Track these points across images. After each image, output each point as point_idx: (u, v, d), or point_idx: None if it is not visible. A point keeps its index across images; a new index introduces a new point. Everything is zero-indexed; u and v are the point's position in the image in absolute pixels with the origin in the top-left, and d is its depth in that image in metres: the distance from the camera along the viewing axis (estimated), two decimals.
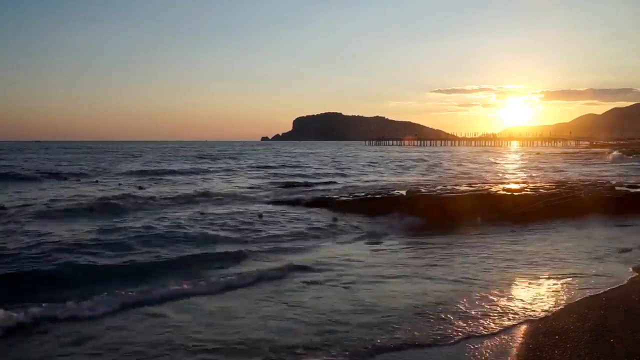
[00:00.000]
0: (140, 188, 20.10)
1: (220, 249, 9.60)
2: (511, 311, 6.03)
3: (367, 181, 24.45)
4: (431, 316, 5.91)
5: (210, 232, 11.04)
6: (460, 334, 5.37)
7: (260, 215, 12.92)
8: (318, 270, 8.09)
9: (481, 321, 5.71)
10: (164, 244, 9.70)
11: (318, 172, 32.11)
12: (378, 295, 6.74)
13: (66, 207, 14.18)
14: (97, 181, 23.93)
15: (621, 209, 13.75)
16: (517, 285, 7.22)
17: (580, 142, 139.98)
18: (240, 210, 14.12)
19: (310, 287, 7.25)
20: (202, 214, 13.15)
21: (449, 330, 5.47)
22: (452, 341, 5.19)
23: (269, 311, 6.19)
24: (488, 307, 6.20)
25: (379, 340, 5.18)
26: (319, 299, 6.64)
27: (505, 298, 6.57)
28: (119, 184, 22.30)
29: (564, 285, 7.13)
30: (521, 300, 6.47)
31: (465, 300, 6.48)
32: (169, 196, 17.26)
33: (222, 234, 10.98)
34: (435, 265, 8.58)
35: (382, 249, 10.14)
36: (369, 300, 6.53)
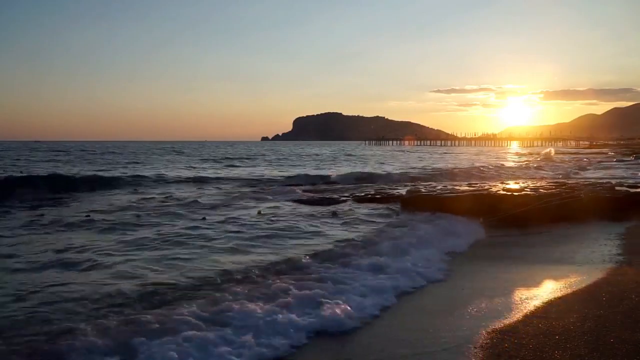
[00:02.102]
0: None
1: None
2: (511, 312, 6.04)
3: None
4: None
5: None
6: (459, 333, 5.39)
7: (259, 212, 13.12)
8: None
9: (481, 321, 5.73)
10: None
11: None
12: None
13: None
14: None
15: (621, 209, 13.76)
16: (517, 285, 7.22)
17: (580, 142, 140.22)
18: None
19: None
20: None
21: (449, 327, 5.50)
22: (449, 342, 5.21)
23: None
24: (486, 307, 6.22)
25: None
26: None
27: (505, 298, 6.58)
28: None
29: (565, 285, 7.14)
30: (522, 300, 6.49)
31: (462, 301, 6.50)
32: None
33: None
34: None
35: None
36: None
